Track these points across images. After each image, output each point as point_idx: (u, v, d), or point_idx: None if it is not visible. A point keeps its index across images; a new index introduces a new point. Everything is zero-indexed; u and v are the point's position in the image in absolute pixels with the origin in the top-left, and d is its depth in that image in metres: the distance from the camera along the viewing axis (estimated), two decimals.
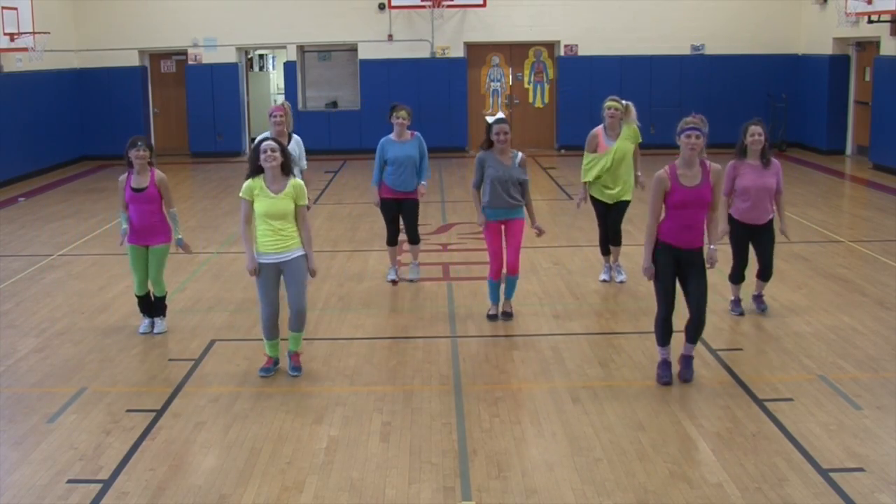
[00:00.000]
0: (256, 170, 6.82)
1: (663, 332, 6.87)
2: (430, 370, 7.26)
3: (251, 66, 23.48)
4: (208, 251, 11.49)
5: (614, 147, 9.22)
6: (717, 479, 5.38)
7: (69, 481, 5.48)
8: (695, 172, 6.61)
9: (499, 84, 21.25)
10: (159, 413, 6.48)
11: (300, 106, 21.06)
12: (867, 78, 18.16)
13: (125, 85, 20.58)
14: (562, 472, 5.51)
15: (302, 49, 21.06)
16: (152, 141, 21.02)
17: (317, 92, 21.27)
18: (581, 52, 20.55)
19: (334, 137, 20.84)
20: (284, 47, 20.89)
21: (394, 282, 9.79)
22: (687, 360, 6.96)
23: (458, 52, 20.62)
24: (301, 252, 6.93)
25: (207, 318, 8.68)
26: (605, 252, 9.72)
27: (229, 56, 20.68)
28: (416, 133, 9.53)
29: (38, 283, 10.08)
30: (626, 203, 9.48)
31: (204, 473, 5.57)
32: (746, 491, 5.23)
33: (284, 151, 6.82)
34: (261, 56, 25.02)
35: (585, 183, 9.46)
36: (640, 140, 9.44)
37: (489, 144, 8.23)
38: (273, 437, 6.04)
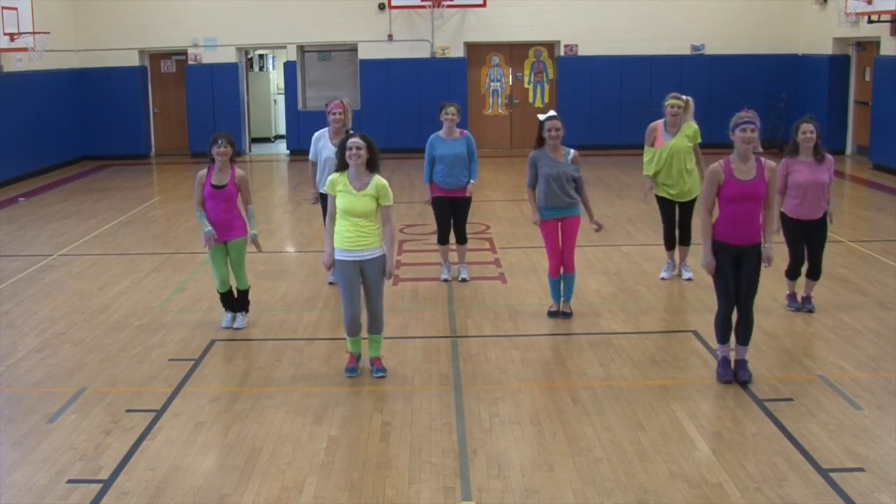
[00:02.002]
0: (343, 165, 6.77)
1: (723, 331, 6.85)
2: (430, 370, 7.26)
3: (251, 66, 23.47)
4: (208, 251, 11.45)
5: (671, 143, 9.23)
6: (717, 479, 5.38)
7: (69, 481, 5.48)
8: (749, 167, 6.60)
9: (499, 84, 21.25)
10: (159, 413, 6.48)
11: (300, 106, 21.06)
12: (867, 78, 18.16)
13: (125, 85, 20.57)
14: (562, 472, 5.51)
15: (302, 49, 21.05)
16: (152, 141, 21.11)
17: (317, 92, 21.26)
18: (581, 52, 20.55)
19: None
20: (284, 47, 20.89)
21: (447, 280, 9.76)
22: (742, 364, 6.89)
23: (458, 52, 20.62)
24: (380, 252, 6.83)
25: (207, 318, 8.67)
26: (669, 247, 9.71)
27: (229, 56, 20.68)
28: (465, 131, 9.54)
29: (38, 283, 10.08)
30: (694, 201, 9.38)
31: (204, 473, 5.57)
32: (746, 491, 5.23)
33: (371, 147, 6.77)
34: (261, 56, 25.01)
35: (648, 176, 9.46)
36: (700, 140, 9.41)
37: (541, 142, 8.20)
38: (273, 437, 6.04)
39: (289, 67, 21.00)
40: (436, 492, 5.30)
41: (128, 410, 6.53)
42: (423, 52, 20.50)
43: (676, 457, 5.67)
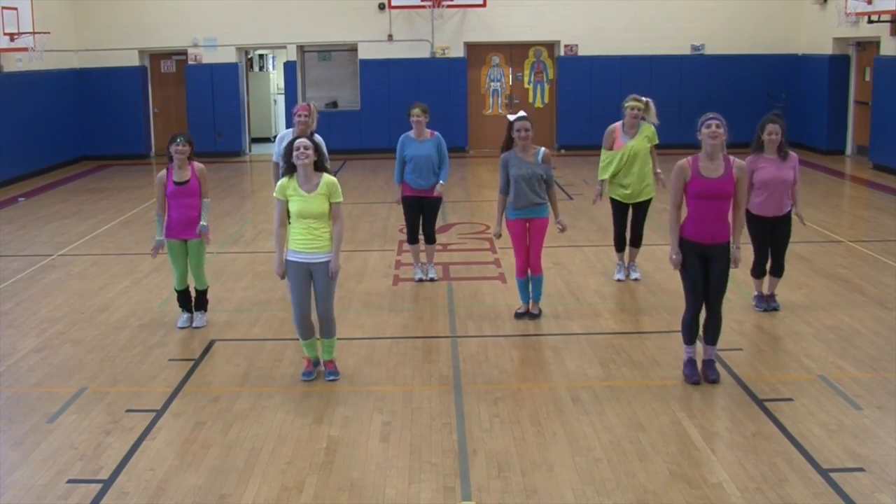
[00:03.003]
0: (291, 168, 6.75)
1: (690, 332, 6.85)
2: (430, 370, 7.26)
3: (251, 66, 23.47)
4: (209, 251, 11.44)
5: (630, 145, 9.22)
6: (717, 479, 5.38)
7: (69, 481, 5.48)
8: (717, 165, 6.60)
9: (499, 84, 21.25)
10: (159, 413, 6.48)
11: None
12: (867, 78, 18.16)
13: (125, 85, 20.57)
14: (562, 472, 5.51)
15: (302, 49, 21.05)
16: (152, 141, 21.10)
17: (317, 92, 21.26)
18: (581, 52, 20.55)
19: (334, 137, 20.59)
20: (284, 47, 20.89)
21: (421, 280, 9.78)
22: (710, 363, 6.91)
23: (458, 52, 20.61)
24: (330, 256, 6.82)
25: (208, 317, 8.67)
26: (619, 249, 9.71)
27: (229, 56, 20.68)
28: (436, 133, 9.49)
29: (38, 283, 10.08)
30: (648, 202, 9.48)
31: (204, 473, 5.57)
32: (746, 491, 5.23)
33: (317, 149, 6.75)
34: (261, 56, 25.02)
35: (602, 181, 9.46)
36: (657, 142, 9.42)
37: (510, 143, 8.18)
38: (273, 437, 6.04)
39: (289, 67, 21.00)
40: (436, 492, 5.30)
41: (128, 410, 6.53)
42: (423, 52, 20.50)
43: (676, 457, 5.67)
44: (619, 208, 9.53)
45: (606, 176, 9.38)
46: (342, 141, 20.64)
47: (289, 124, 21.13)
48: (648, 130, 9.31)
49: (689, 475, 5.43)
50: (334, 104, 21.39)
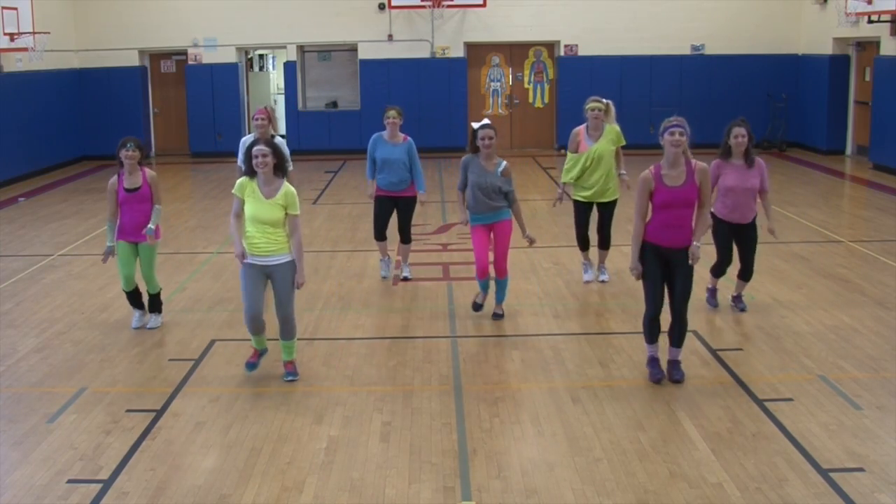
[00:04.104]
0: (251, 171, 6.78)
1: (651, 332, 6.89)
2: (430, 370, 7.26)
3: (251, 66, 23.46)
4: (208, 251, 11.49)
5: (594, 147, 9.18)
6: (717, 479, 5.38)
7: (69, 481, 5.48)
8: (679, 172, 6.62)
9: (499, 84, 21.25)
10: (159, 413, 6.48)
11: (300, 106, 21.06)
12: (867, 78, 18.16)
13: (125, 85, 20.58)
14: (562, 472, 5.51)
15: (302, 49, 21.05)
16: (152, 141, 21.10)
17: (317, 92, 21.27)
18: (581, 52, 20.55)
19: (334, 137, 20.86)
20: (284, 47, 20.89)
21: (385, 278, 9.82)
22: (675, 364, 6.95)
23: (458, 52, 20.62)
24: (289, 258, 6.82)
25: (207, 318, 8.68)
26: (584, 248, 9.67)
27: (229, 56, 20.68)
28: (408, 138, 9.54)
29: (38, 283, 10.08)
30: (613, 203, 9.45)
31: (204, 473, 5.57)
32: (746, 491, 5.23)
33: (276, 153, 6.77)
34: (261, 56, 25.01)
35: (565, 184, 9.44)
36: (624, 142, 9.40)
37: (475, 149, 8.21)
38: (273, 437, 6.04)
39: (289, 67, 21.01)
40: (436, 492, 5.30)
41: (128, 410, 6.53)
42: (423, 52, 20.50)
43: (676, 457, 5.67)
44: (581, 208, 9.47)
45: (569, 179, 9.35)
46: (342, 141, 20.69)
47: (289, 124, 21.31)
48: (612, 132, 9.28)
49: (689, 475, 5.44)
50: (334, 104, 21.40)
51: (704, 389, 6.75)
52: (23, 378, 7.24)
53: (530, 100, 21.27)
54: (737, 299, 8.66)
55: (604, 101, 9.30)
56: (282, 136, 9.33)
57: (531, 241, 8.38)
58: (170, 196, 16.03)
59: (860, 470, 5.45)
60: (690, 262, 6.76)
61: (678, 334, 6.86)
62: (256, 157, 6.69)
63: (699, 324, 8.20)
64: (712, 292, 8.70)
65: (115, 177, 8.17)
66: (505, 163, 8.25)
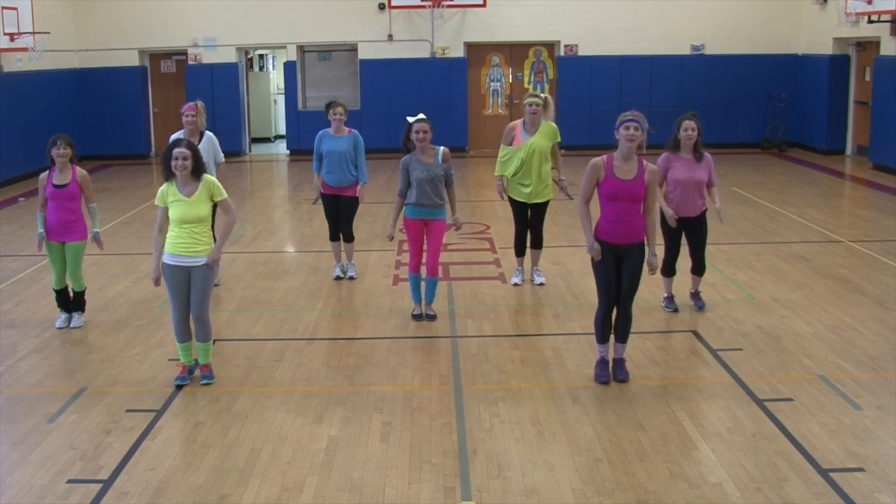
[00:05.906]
0: (170, 173, 6.75)
1: (603, 330, 6.89)
2: (430, 370, 7.27)
3: (251, 66, 23.48)
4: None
5: (530, 141, 9.14)
6: (717, 479, 5.38)
7: (69, 481, 5.48)
8: (631, 167, 6.63)
9: (499, 84, 21.25)
10: (159, 413, 6.48)
11: (300, 106, 21.05)
12: (867, 78, 18.16)
13: (125, 85, 20.57)
14: (562, 472, 5.51)
15: (302, 49, 21.05)
16: (152, 141, 21.10)
17: (317, 92, 21.26)
18: (581, 52, 20.55)
19: None
20: (284, 47, 20.89)
21: (339, 278, 9.86)
22: (620, 363, 6.95)
23: (458, 52, 20.61)
24: (206, 260, 6.81)
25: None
26: (520, 253, 9.57)
27: (229, 56, 20.68)
28: (353, 130, 9.61)
29: (38, 283, 10.07)
30: (546, 204, 9.38)
31: (204, 473, 5.57)
32: (746, 491, 5.23)
33: (195, 155, 6.75)
34: (261, 56, 25.02)
35: (502, 177, 9.37)
36: (559, 140, 9.32)
37: (409, 145, 8.20)
38: (273, 437, 6.04)
39: (289, 67, 21.01)
40: (436, 492, 5.30)
41: (128, 410, 6.53)
42: (423, 52, 20.50)
43: (676, 457, 5.67)
44: (519, 209, 9.41)
45: (505, 172, 9.29)
46: None
47: (289, 124, 21.30)
48: (548, 128, 9.23)
49: (689, 475, 5.44)
50: None
51: (704, 389, 6.76)
52: (23, 378, 7.24)
53: None
54: (695, 296, 8.65)
55: (542, 95, 9.29)
56: (210, 132, 9.26)
57: (458, 226, 8.40)
58: None
59: (860, 470, 5.45)
60: (650, 273, 6.80)
61: (623, 329, 6.86)
62: (176, 158, 6.67)
63: (699, 324, 8.20)
64: (669, 299, 8.63)
65: (47, 172, 8.26)
66: (442, 148, 8.27)
